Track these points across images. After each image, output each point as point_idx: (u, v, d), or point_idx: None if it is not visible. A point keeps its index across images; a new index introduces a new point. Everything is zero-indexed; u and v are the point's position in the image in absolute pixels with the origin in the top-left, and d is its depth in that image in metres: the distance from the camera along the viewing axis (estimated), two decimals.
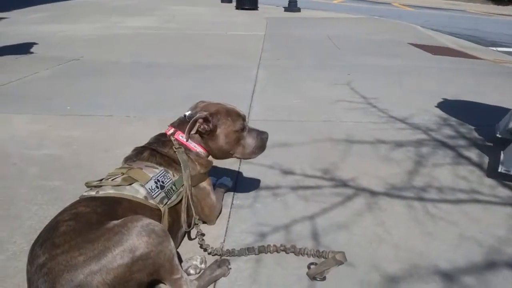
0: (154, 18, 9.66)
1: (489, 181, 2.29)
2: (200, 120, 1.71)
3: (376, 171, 2.37)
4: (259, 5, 13.31)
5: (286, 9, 12.96)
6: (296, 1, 12.91)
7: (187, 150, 1.74)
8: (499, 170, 2.31)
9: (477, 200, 2.09)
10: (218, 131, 1.76)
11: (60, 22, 8.01)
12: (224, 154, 1.85)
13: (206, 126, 1.73)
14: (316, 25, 9.79)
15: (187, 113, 1.79)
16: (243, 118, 1.82)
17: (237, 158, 1.89)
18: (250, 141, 1.83)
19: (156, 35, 7.36)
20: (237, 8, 12.95)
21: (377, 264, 1.62)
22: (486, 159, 2.56)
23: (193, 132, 1.73)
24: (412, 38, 7.82)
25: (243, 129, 1.81)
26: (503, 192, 2.17)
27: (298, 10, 12.80)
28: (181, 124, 1.78)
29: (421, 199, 2.10)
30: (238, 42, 6.97)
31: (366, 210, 1.99)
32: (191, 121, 1.70)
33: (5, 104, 3.41)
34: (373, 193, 2.14)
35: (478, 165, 2.46)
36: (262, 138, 1.87)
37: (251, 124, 3.05)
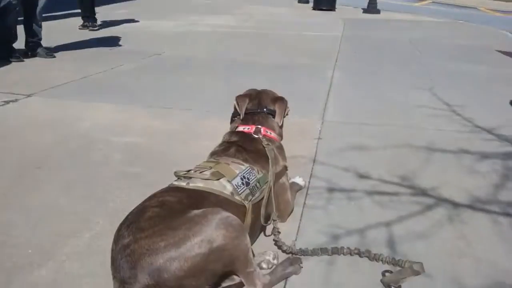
0: (232, 17, 9.85)
1: None
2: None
3: (459, 182, 2.24)
4: (336, 6, 13.12)
5: (365, 11, 12.65)
6: (376, 3, 12.54)
7: (274, 144, 1.79)
8: None
9: None
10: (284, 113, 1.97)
11: (144, 18, 8.40)
12: None
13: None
14: (396, 28, 9.46)
15: (258, 108, 1.94)
16: None
17: None
18: None
19: (234, 34, 7.50)
20: (314, 8, 12.84)
21: (456, 277, 1.54)
22: None
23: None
24: (500, 45, 7.28)
25: None
26: None
27: (378, 12, 12.43)
28: (261, 120, 1.83)
29: (507, 214, 1.95)
30: (314, 43, 6.91)
31: (446, 221, 1.88)
32: (281, 106, 1.92)
33: (94, 93, 3.65)
34: (455, 205, 2.02)
35: None
36: None
37: (325, 125, 3.04)
